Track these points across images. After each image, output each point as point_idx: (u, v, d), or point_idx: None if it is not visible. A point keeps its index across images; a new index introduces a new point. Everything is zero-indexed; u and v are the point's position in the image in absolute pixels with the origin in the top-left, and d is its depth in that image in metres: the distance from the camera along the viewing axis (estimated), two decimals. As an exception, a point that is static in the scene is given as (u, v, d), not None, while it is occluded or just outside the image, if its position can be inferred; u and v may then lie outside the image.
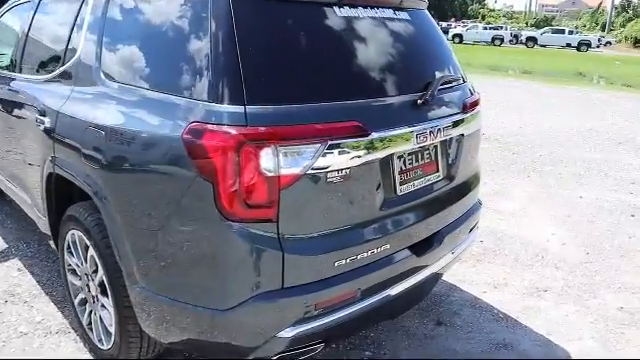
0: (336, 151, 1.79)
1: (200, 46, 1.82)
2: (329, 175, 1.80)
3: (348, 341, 2.73)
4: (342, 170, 1.82)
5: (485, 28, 43.35)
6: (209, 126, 1.72)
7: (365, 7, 2.12)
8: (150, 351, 2.30)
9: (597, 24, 66.14)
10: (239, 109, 1.70)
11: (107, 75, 2.24)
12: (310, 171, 1.75)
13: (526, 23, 71.75)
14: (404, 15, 2.31)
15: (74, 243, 2.52)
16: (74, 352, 2.63)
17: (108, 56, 2.27)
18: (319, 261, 1.85)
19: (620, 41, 49.89)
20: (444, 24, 50.66)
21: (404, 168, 2.10)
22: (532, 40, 40.69)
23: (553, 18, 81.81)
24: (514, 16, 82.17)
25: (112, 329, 2.33)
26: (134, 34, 2.20)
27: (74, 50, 2.49)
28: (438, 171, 2.29)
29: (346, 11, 2.03)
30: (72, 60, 2.48)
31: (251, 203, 1.72)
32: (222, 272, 1.80)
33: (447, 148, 2.34)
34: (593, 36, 44.54)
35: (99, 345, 2.48)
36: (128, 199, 2.02)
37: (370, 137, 1.88)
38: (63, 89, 2.49)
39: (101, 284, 2.35)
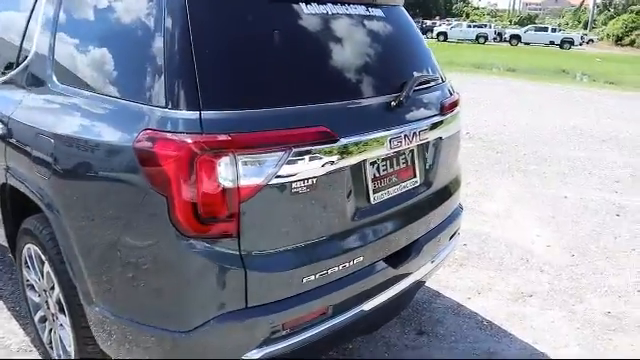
0: (302, 159, 1.66)
1: (152, 46, 1.67)
2: (294, 185, 1.66)
3: (326, 356, 2.60)
4: (309, 179, 1.69)
5: (469, 26, 43.47)
6: (161, 134, 1.57)
7: (335, 3, 1.98)
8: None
9: (579, 22, 66.76)
10: (194, 115, 1.56)
11: (60, 78, 2.09)
12: (273, 181, 1.61)
13: (510, 21, 72.22)
14: (378, 12, 2.18)
15: (30, 257, 2.37)
16: (34, 373, 2.48)
17: (60, 58, 2.11)
18: (285, 278, 1.72)
19: (602, 39, 50.39)
20: (429, 22, 50.76)
21: (378, 175, 1.97)
22: (516, 38, 40.88)
23: (536, 16, 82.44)
24: (498, 14, 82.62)
25: (71, 349, 2.18)
26: (86, 34, 2.05)
27: (27, 51, 2.32)
28: (415, 177, 2.16)
29: (314, 8, 1.90)
30: (25, 62, 2.31)
31: (208, 217, 1.58)
32: (180, 292, 1.67)
33: (424, 152, 2.21)
34: (576, 34, 44.87)
35: (59, 365, 2.33)
36: (79, 213, 1.87)
37: (339, 143, 1.75)
38: (16, 93, 2.32)
39: (59, 302, 2.20)
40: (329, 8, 1.95)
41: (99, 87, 1.87)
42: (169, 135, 1.56)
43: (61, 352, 2.31)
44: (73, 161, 1.88)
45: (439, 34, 41.06)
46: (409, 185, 2.13)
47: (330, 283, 1.81)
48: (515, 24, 64.28)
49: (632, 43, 45.56)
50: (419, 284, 2.44)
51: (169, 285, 1.68)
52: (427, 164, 2.23)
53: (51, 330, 2.41)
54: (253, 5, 1.79)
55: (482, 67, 20.11)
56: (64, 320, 2.19)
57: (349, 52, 1.98)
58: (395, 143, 1.95)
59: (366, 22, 2.09)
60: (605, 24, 53.92)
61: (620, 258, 3.87)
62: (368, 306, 1.98)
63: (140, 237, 1.69)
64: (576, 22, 68.20)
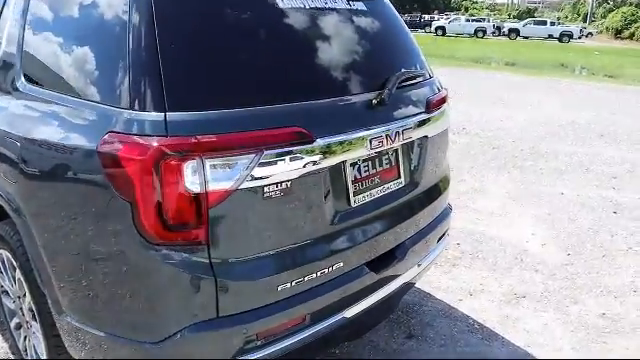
0: (274, 161, 1.57)
1: (117, 45, 1.58)
2: (267, 189, 1.57)
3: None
4: (283, 183, 1.60)
5: (468, 20, 43.25)
6: (125, 137, 1.49)
7: None
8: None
9: (579, 15, 66.46)
10: (159, 117, 1.47)
11: (28, 78, 2.00)
12: (244, 185, 1.53)
13: (509, 15, 71.93)
14: (359, 5, 2.08)
15: (3, 263, 2.29)
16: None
17: (28, 56, 2.02)
18: (259, 286, 1.63)
19: (601, 32, 50.15)
20: (427, 16, 50.57)
21: (359, 176, 1.88)
22: (514, 32, 40.68)
23: (535, 10, 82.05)
24: (497, 8, 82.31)
25: (43, 357, 2.10)
26: (53, 34, 1.96)
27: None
28: (400, 177, 2.07)
29: (289, 1, 1.80)
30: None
31: (175, 224, 1.49)
32: (148, 302, 1.59)
33: (410, 152, 2.12)
34: (575, 27, 44.66)
35: (34, 374, 2.25)
36: (46, 219, 1.79)
37: (315, 144, 1.66)
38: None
39: (31, 309, 2.12)
40: (305, 1, 1.85)
41: (66, 88, 1.78)
42: (133, 138, 1.48)
43: (35, 360, 2.24)
44: (39, 165, 1.80)
45: (437, 28, 40.89)
46: (393, 186, 2.03)
47: (307, 290, 1.73)
48: (514, 18, 64.05)
49: (631, 36, 45.33)
50: (407, 286, 2.35)
51: (136, 294, 1.60)
52: (412, 164, 2.14)
53: (26, 337, 2.33)
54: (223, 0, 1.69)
55: (480, 61, 20.00)
56: (37, 328, 2.12)
57: (327, 48, 1.88)
58: (376, 143, 1.85)
59: (346, 16, 2.00)
60: (604, 17, 53.65)
61: (617, 257, 3.78)
62: (350, 313, 1.90)
63: (106, 245, 1.61)
64: (575, 15, 67.92)
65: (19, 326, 2.39)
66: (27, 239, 1.88)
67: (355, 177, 1.86)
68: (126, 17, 1.57)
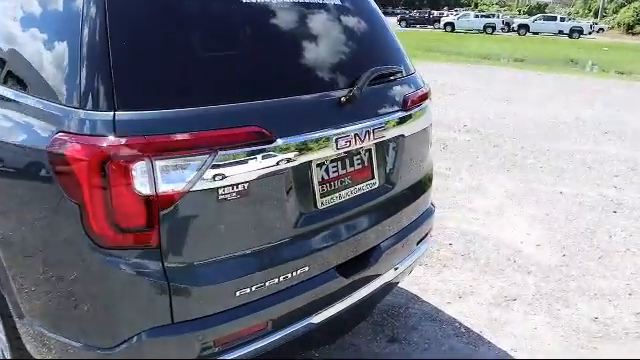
0: (231, 162, 1.50)
1: (69, 42, 1.53)
2: (223, 191, 1.50)
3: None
4: (240, 184, 1.53)
5: (477, 16, 42.88)
6: (73, 137, 1.44)
7: None
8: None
9: (590, 11, 65.52)
10: (107, 116, 1.41)
11: None
12: (197, 187, 1.46)
13: (519, 11, 71.18)
14: None
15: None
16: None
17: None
18: (216, 291, 1.57)
19: (613, 27, 49.45)
20: (436, 13, 50.15)
21: (327, 177, 1.80)
22: (524, 28, 40.28)
23: (546, 5, 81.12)
24: (507, 3, 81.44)
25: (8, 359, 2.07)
26: (6, 28, 1.89)
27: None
28: (373, 178, 1.99)
29: None
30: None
31: (125, 227, 1.43)
32: (100, 307, 1.54)
33: (384, 152, 2.03)
34: (585, 23, 44.10)
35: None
36: (1, 220, 1.74)
37: (275, 144, 1.59)
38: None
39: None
40: None
41: (20, 86, 1.73)
42: (81, 138, 1.42)
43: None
44: None
45: (446, 24, 40.63)
46: (366, 187, 1.95)
47: (269, 296, 1.66)
48: (524, 13, 63.41)
49: (643, 32, 44.71)
50: (385, 290, 2.27)
51: (90, 299, 1.55)
52: (388, 164, 2.06)
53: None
54: None
55: (489, 57, 19.78)
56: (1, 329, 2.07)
57: (293, 43, 1.80)
58: (343, 143, 1.77)
59: (315, 8, 1.91)
60: (616, 12, 52.89)
61: (613, 258, 3.67)
62: (318, 318, 1.82)
63: (59, 248, 1.56)
64: (586, 11, 66.98)
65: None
66: None
67: (322, 178, 1.78)
68: (78, 14, 1.50)
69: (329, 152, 1.75)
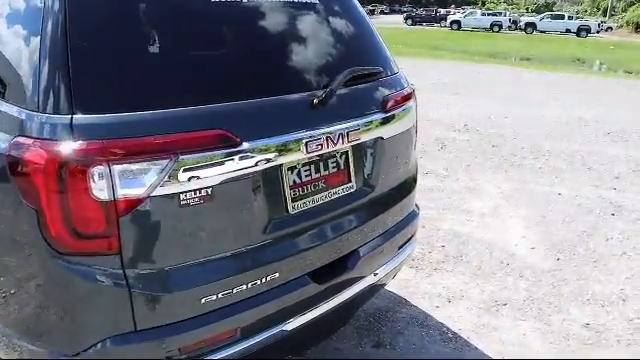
0: (193, 167, 1.45)
1: (28, 44, 1.50)
2: (186, 196, 1.46)
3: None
4: (204, 189, 1.48)
5: (484, 14, 42.63)
6: (30, 140, 1.40)
7: None
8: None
9: (598, 9, 64.92)
10: (64, 119, 1.37)
11: None
12: (158, 192, 1.42)
13: (527, 9, 70.75)
14: None
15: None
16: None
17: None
18: (180, 298, 1.53)
19: (621, 26, 48.98)
20: (442, 11, 49.93)
21: (299, 181, 1.75)
22: (531, 26, 40.01)
23: (554, 3, 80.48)
24: (514, 2, 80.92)
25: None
26: None
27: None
28: (350, 182, 1.93)
29: None
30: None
31: (83, 233, 1.40)
32: (60, 313, 1.51)
33: (362, 154, 1.98)
34: (593, 21, 43.75)
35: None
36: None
37: (241, 147, 1.54)
38: None
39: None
40: None
41: None
42: (37, 142, 1.39)
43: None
44: None
45: (452, 22, 40.40)
46: (342, 191, 1.90)
47: (237, 303, 1.61)
48: (532, 12, 62.98)
49: (653, 31, 44.27)
50: (364, 296, 2.21)
51: (51, 305, 1.52)
52: (366, 167, 2.00)
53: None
54: None
55: (494, 56, 19.65)
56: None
57: (261, 44, 1.75)
58: (314, 146, 1.71)
59: (287, 6, 1.85)
60: (625, 11, 52.42)
61: (609, 262, 3.60)
62: (291, 325, 1.78)
63: (19, 254, 1.53)
64: (595, 9, 66.40)
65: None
66: None
67: (294, 182, 1.73)
68: (38, 15, 1.46)
69: (300, 155, 1.70)
